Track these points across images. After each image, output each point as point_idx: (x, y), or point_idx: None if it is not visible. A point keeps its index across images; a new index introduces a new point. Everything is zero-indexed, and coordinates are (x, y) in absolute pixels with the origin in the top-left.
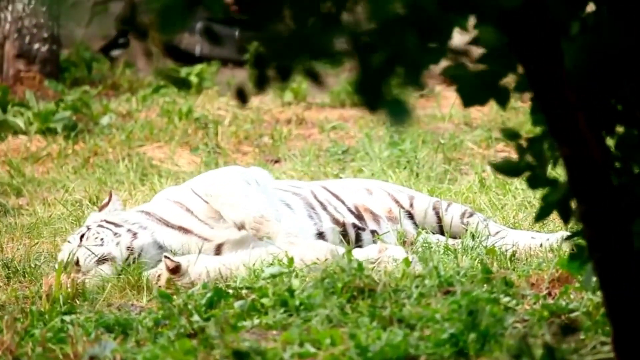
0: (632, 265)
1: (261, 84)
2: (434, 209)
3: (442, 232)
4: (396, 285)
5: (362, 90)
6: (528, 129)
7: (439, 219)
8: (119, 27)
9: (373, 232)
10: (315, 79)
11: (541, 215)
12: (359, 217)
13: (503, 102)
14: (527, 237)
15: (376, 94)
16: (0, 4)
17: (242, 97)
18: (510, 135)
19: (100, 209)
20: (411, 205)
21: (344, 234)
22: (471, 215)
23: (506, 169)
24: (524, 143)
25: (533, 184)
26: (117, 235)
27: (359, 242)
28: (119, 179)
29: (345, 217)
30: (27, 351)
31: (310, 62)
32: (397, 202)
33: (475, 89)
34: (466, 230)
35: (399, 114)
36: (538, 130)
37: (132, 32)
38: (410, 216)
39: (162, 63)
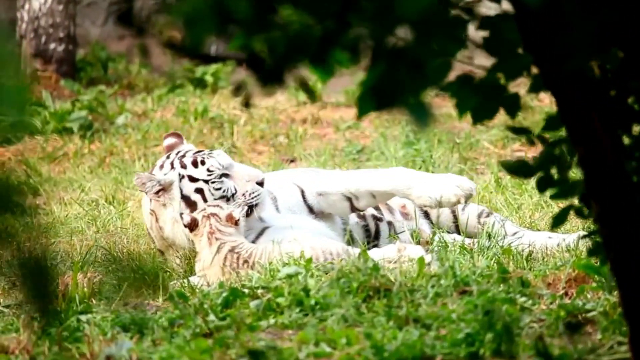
0: None
1: (269, 84)
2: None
3: (458, 232)
4: (412, 285)
5: (380, 94)
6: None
7: (455, 219)
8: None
9: (389, 223)
10: (308, 89)
11: (559, 219)
12: (376, 207)
13: (513, 112)
14: (544, 237)
15: (397, 97)
16: (16, 3)
17: (238, 91)
18: (518, 131)
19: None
20: None
21: (366, 226)
22: (488, 215)
23: (518, 169)
24: (535, 140)
25: (542, 186)
26: None
27: (377, 233)
28: None
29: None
30: (43, 350)
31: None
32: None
33: (482, 102)
34: (483, 230)
35: (422, 116)
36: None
37: (130, 30)
38: (426, 215)
39: (178, 63)
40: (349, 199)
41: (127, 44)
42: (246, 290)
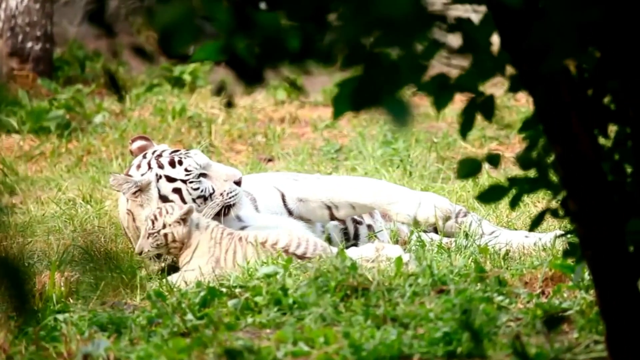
0: (625, 263)
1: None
2: None
3: (436, 231)
4: (390, 284)
5: (361, 93)
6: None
7: None
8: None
9: (369, 226)
10: (296, 86)
11: (536, 221)
12: None
13: (489, 115)
14: (521, 236)
15: (377, 96)
16: None
17: (219, 92)
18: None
19: None
20: None
21: (345, 229)
22: (465, 214)
23: (492, 195)
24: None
25: (514, 204)
26: None
27: (356, 236)
28: None
29: None
30: (20, 349)
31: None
32: None
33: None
34: (460, 229)
35: (401, 115)
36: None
37: (101, 30)
38: None
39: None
40: (329, 208)
41: (104, 43)
42: (224, 290)
